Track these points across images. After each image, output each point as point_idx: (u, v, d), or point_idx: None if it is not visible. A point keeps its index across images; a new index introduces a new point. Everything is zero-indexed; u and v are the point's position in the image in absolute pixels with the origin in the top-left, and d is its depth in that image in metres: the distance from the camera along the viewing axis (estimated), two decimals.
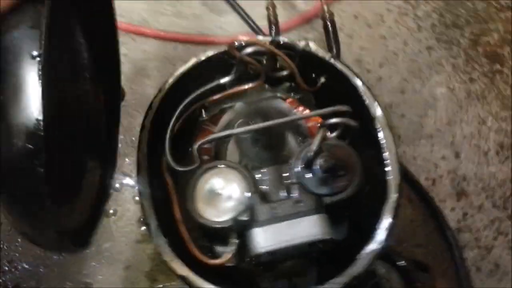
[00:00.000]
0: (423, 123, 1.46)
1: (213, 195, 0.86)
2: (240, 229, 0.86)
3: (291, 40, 1.00)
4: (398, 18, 1.61)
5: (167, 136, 0.95)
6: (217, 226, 0.85)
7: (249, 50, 0.94)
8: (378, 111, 0.96)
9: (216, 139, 0.93)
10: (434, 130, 1.45)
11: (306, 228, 0.82)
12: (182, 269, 0.87)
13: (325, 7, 1.09)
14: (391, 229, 0.88)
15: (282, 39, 1.00)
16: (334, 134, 0.94)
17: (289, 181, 0.88)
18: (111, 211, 1.40)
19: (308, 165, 0.87)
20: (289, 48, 1.00)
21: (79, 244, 0.88)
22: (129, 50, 1.64)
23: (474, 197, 1.35)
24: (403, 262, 0.95)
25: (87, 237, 0.93)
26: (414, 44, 1.57)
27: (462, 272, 1.27)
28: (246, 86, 1.04)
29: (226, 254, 0.87)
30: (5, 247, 1.36)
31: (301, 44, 1.02)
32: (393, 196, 0.89)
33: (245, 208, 0.84)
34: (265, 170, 0.90)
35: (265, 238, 0.82)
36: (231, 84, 1.03)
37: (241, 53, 0.95)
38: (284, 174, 0.90)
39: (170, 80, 0.99)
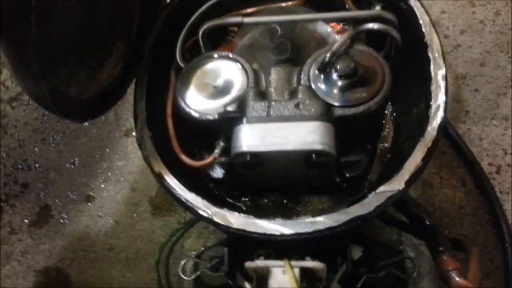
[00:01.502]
0: (500, 102, 1.26)
1: (207, 86, 0.77)
2: (228, 127, 0.75)
3: None
4: None
5: (184, 30, 0.88)
6: (202, 118, 0.75)
7: None
8: (434, 37, 0.80)
9: (223, 24, 0.83)
10: None
11: (302, 134, 0.69)
12: (159, 166, 0.78)
13: None
14: (418, 173, 0.72)
15: None
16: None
17: (299, 83, 0.75)
18: (132, 132, 1.37)
19: (325, 69, 0.73)
20: None
21: (90, 112, 0.84)
22: None
23: None
24: (430, 221, 0.78)
25: (100, 107, 0.87)
26: (508, 16, 1.37)
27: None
28: (283, 2, 0.94)
29: (208, 156, 0.78)
30: (25, 144, 1.38)
31: None
32: (430, 132, 0.73)
33: (235, 100, 0.74)
34: (273, 69, 0.78)
35: (250, 137, 0.70)
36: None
37: None
38: (295, 77, 0.77)
39: None
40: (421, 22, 0.80)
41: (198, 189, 0.77)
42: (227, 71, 0.78)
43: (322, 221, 0.70)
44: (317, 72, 0.75)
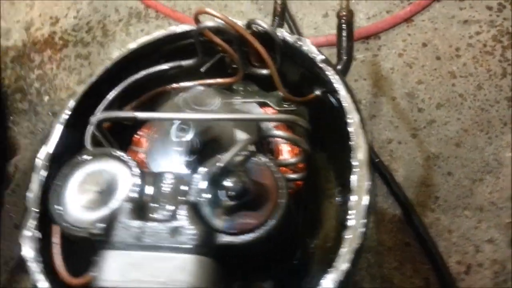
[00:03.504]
0: (474, 189, 1.18)
1: (84, 191, 0.70)
2: (98, 247, 0.66)
3: (270, 29, 0.83)
4: (479, 56, 1.36)
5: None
6: (72, 233, 0.68)
7: (210, 24, 0.80)
8: (361, 141, 0.73)
9: (117, 118, 0.77)
10: (487, 203, 1.16)
11: (171, 271, 0.60)
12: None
13: (344, 2, 0.91)
14: None
15: (261, 25, 0.83)
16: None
17: (185, 197, 0.68)
18: None
19: (215, 183, 0.66)
20: (267, 39, 0.83)
21: None
22: None
23: None
24: None
25: None
26: (491, 90, 1.30)
27: None
28: (221, 79, 0.90)
29: (88, 273, 0.70)
30: None
31: (290, 38, 0.85)
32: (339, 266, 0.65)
33: (106, 217, 0.66)
34: (166, 173, 0.71)
35: (112, 269, 0.62)
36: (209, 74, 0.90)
37: (203, 27, 0.81)
38: (181, 189, 0.69)
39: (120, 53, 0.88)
40: (349, 121, 0.74)
41: None
42: (114, 173, 0.70)
43: None
44: (205, 186, 0.67)
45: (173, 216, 0.65)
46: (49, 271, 0.72)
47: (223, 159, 0.65)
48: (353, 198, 0.68)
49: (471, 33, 1.38)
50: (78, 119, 0.81)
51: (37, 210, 0.75)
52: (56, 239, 0.74)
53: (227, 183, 0.63)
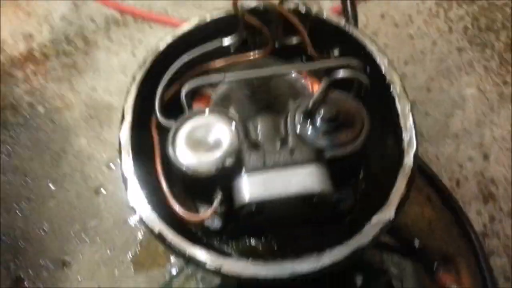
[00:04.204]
0: (449, 122, 1.45)
1: (197, 142, 0.84)
2: (225, 180, 0.83)
3: (302, 3, 1.02)
4: (428, 19, 1.65)
5: (159, 89, 0.97)
6: (200, 174, 0.82)
7: (252, 5, 0.97)
8: (395, 77, 0.95)
9: (205, 84, 0.93)
10: (461, 130, 1.43)
11: (300, 179, 0.78)
12: (158, 226, 0.82)
13: None
14: (404, 201, 0.84)
15: (293, 1, 1.02)
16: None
17: (286, 132, 0.85)
18: (101, 189, 1.42)
19: (309, 116, 0.85)
20: (299, 14, 1.02)
21: None
22: (145, 37, 1.74)
23: (503, 201, 1.30)
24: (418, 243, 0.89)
25: None
26: (443, 44, 1.59)
27: (490, 284, 1.19)
28: (252, 54, 1.06)
29: (207, 210, 0.84)
30: None
31: (313, 9, 1.05)
32: (407, 163, 0.86)
33: (232, 154, 0.82)
34: (258, 120, 0.88)
35: (253, 187, 0.78)
36: (237, 51, 1.06)
37: (244, 11, 0.97)
38: (281, 126, 0.87)
39: (169, 39, 1.02)
40: (381, 64, 0.96)
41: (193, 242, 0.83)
42: (215, 125, 0.85)
43: (327, 256, 0.79)
44: (302, 119, 0.85)
45: (283, 143, 0.82)
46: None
47: (314, 96, 0.84)
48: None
49: (418, 2, 1.68)
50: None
51: None
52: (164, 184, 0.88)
53: (322, 110, 0.82)
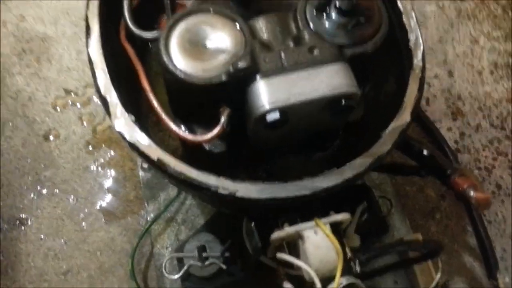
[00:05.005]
0: None
1: (197, 47, 0.71)
2: (237, 88, 0.71)
3: None
4: None
5: None
6: (207, 82, 0.68)
7: None
8: None
9: None
10: (426, 48, 1.43)
11: (326, 79, 0.69)
12: (155, 152, 0.73)
13: None
14: (418, 103, 0.82)
15: None
16: None
17: (298, 30, 0.75)
18: (52, 134, 1.25)
19: (322, 9, 0.74)
20: None
21: None
22: None
23: (471, 116, 1.36)
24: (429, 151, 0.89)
25: None
26: None
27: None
28: None
29: (215, 128, 0.73)
30: None
31: None
32: (417, 63, 0.84)
33: (244, 56, 0.69)
34: (262, 18, 0.75)
35: (274, 92, 0.68)
36: None
37: None
38: (290, 24, 0.76)
39: None
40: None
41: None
42: (214, 26, 0.72)
43: (349, 169, 0.76)
44: (315, 13, 0.75)
45: (298, 42, 0.73)
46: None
47: None
48: None
49: None
50: None
51: None
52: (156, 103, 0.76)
53: (339, 2, 0.72)
